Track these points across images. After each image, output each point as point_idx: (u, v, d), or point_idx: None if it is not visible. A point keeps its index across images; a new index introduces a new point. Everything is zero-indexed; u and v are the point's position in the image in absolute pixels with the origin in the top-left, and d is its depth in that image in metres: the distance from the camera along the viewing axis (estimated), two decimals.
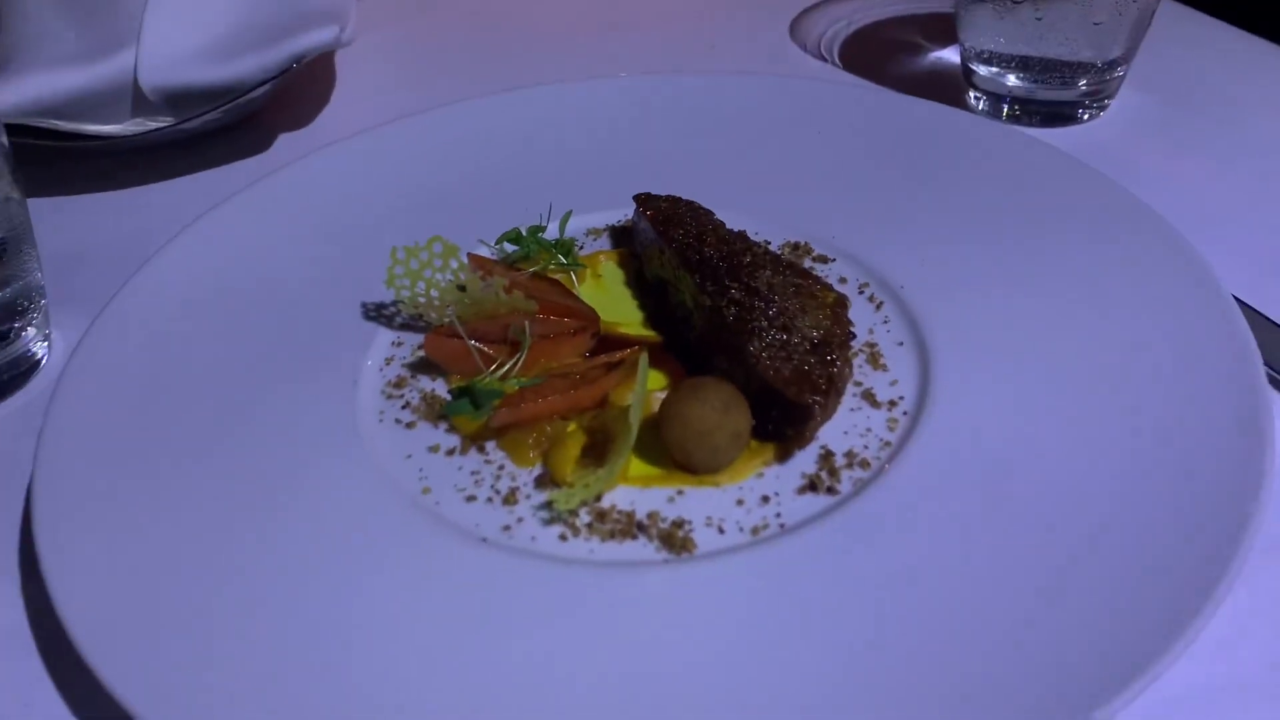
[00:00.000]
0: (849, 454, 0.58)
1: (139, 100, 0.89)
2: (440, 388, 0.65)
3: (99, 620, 0.49)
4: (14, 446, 0.64)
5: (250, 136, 0.98)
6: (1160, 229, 0.69)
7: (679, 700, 0.46)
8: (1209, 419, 0.55)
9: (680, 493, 0.57)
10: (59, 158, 0.92)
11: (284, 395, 0.63)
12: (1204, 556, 0.48)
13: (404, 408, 0.64)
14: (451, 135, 0.88)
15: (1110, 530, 0.51)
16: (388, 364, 0.67)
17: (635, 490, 0.57)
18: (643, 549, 0.54)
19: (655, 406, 0.60)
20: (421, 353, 0.67)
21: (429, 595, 0.51)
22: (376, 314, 0.71)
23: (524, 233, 0.76)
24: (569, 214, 0.78)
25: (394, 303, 0.70)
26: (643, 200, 0.75)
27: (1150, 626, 0.45)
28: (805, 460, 0.58)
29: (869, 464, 0.58)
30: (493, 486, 0.58)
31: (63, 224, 0.86)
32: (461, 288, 0.65)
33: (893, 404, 0.61)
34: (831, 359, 0.60)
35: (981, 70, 0.93)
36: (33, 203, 0.71)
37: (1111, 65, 0.89)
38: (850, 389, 0.63)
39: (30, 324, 0.71)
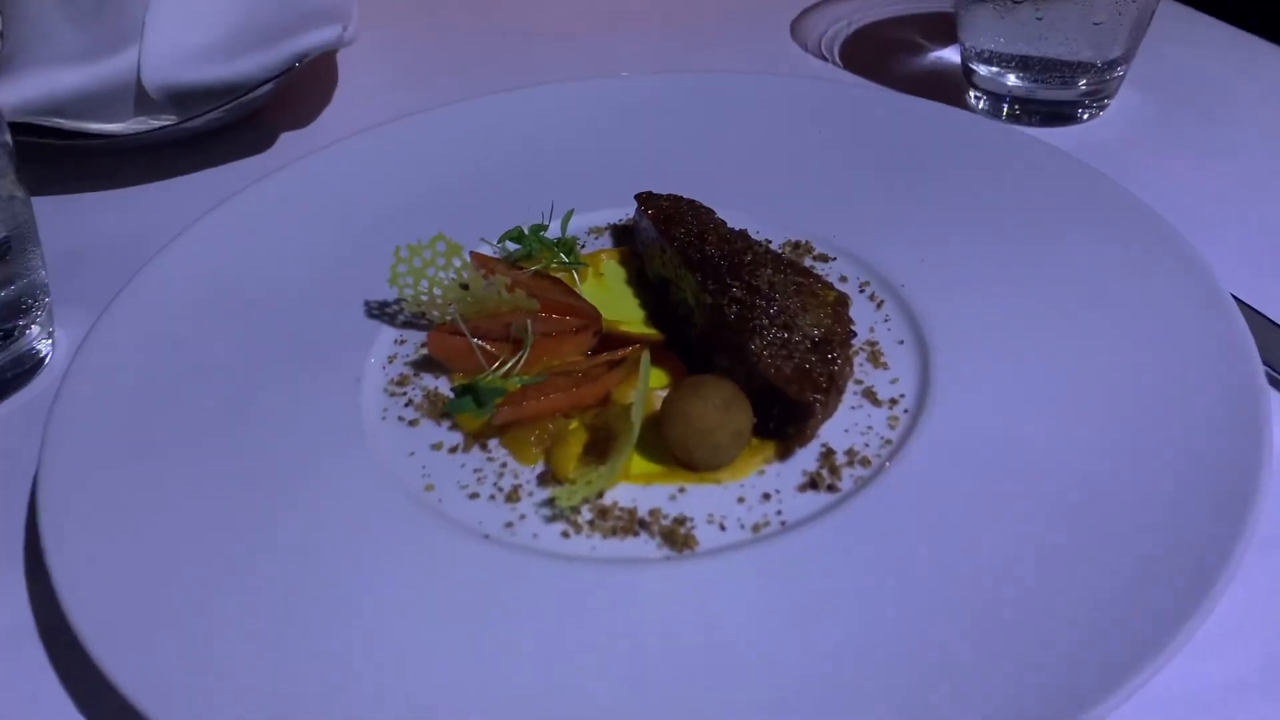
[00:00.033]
0: (850, 452, 0.59)
1: (142, 99, 0.89)
2: (443, 385, 0.66)
3: (104, 615, 0.49)
4: (18, 444, 0.64)
5: (253, 135, 0.98)
6: (1159, 228, 0.69)
7: (680, 696, 0.46)
8: (1207, 417, 0.55)
9: (682, 490, 0.57)
10: (62, 156, 0.92)
11: (287, 393, 0.64)
12: (1201, 554, 0.48)
13: (407, 405, 0.64)
14: (454, 134, 0.88)
15: (1108, 527, 0.51)
16: (391, 362, 0.68)
17: (637, 487, 0.58)
18: (644, 546, 0.54)
19: (657, 404, 0.60)
20: (424, 351, 0.68)
21: (432, 591, 0.51)
22: (379, 312, 0.71)
23: (526, 231, 0.76)
24: (571, 213, 0.78)
25: (397, 301, 0.70)
26: (644, 199, 0.75)
27: (1147, 624, 0.45)
28: (806, 458, 0.59)
29: (869, 462, 0.58)
30: (495, 484, 0.58)
31: (66, 222, 0.86)
32: (464, 286, 0.65)
33: (893, 402, 0.62)
34: (832, 357, 0.61)
35: (981, 70, 0.94)
36: (36, 201, 0.72)
37: (1111, 65, 0.89)
38: (851, 387, 0.63)
39: (34, 322, 0.71)
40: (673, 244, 0.69)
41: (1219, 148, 0.89)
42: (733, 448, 0.57)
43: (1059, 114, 0.92)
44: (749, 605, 0.50)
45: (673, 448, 0.58)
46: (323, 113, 1.03)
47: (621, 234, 0.80)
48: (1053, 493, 0.54)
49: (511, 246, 0.76)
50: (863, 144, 0.85)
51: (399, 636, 0.49)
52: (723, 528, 0.55)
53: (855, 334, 0.66)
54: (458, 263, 0.66)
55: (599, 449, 0.59)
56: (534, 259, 0.75)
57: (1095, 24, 0.85)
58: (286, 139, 0.98)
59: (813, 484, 0.57)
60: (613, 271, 0.76)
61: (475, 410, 0.61)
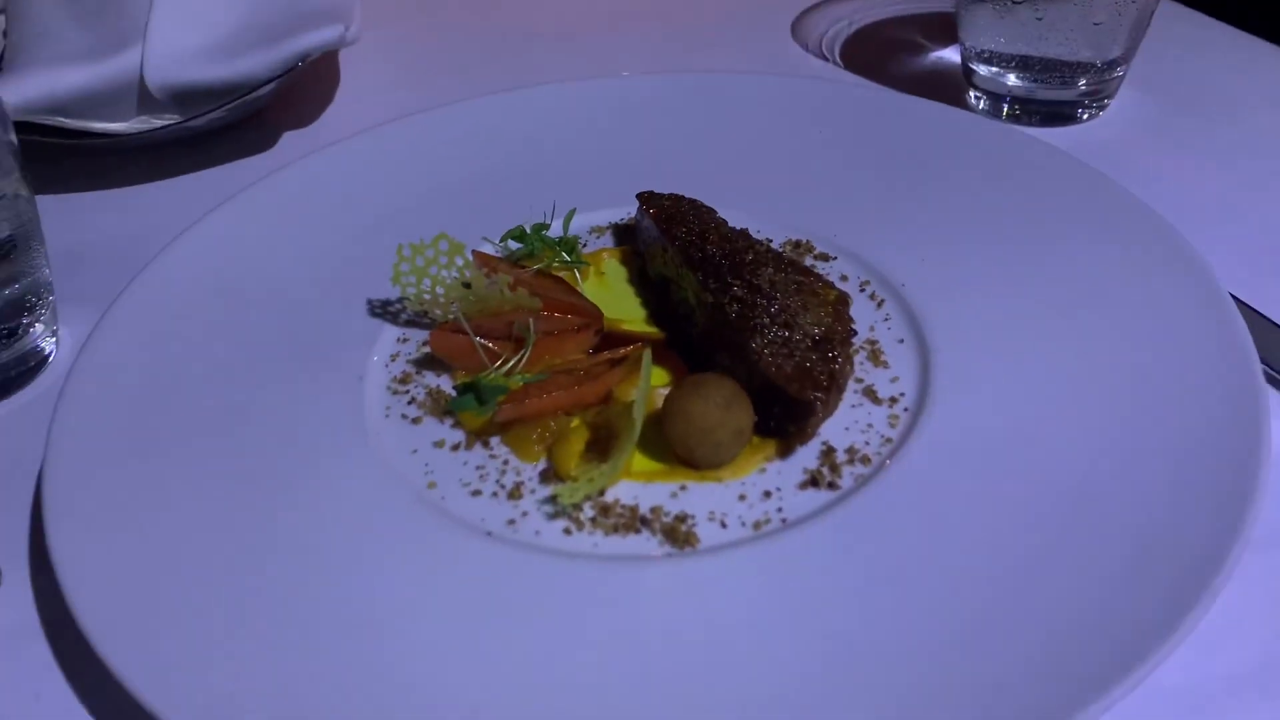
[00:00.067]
0: (850, 450, 0.59)
1: (145, 98, 0.89)
2: (445, 384, 0.66)
3: (109, 611, 0.49)
4: (23, 442, 0.64)
5: (255, 135, 0.98)
6: (1159, 228, 0.69)
7: (681, 693, 0.46)
8: (1206, 416, 0.56)
9: (683, 488, 0.58)
10: (66, 155, 0.92)
11: (291, 391, 0.64)
12: (1200, 552, 0.48)
13: (410, 403, 0.64)
14: (456, 134, 0.89)
15: (1107, 525, 0.51)
16: (393, 360, 0.68)
17: (639, 485, 0.58)
18: (646, 543, 0.54)
19: (658, 403, 0.60)
20: (427, 349, 0.68)
21: (435, 588, 0.52)
22: (382, 311, 0.71)
23: (528, 230, 0.76)
24: (573, 212, 0.78)
25: (399, 299, 0.70)
26: (646, 198, 0.76)
27: (1146, 621, 0.45)
28: (807, 456, 0.59)
29: (870, 460, 0.58)
30: (498, 481, 0.59)
31: (70, 221, 0.87)
32: (467, 285, 0.65)
33: (893, 400, 0.62)
34: (833, 356, 0.61)
35: (981, 70, 0.94)
36: (40, 200, 0.72)
37: (1111, 65, 0.90)
38: (851, 386, 0.63)
39: (38, 320, 0.71)
40: (674, 243, 0.70)
41: (1219, 148, 0.89)
42: (734, 446, 0.58)
43: (1059, 114, 0.92)
44: (750, 602, 0.50)
45: (674, 446, 0.58)
46: (325, 112, 1.03)
47: (623, 233, 0.80)
48: (1052, 490, 0.54)
49: (514, 245, 0.76)
50: (863, 144, 0.85)
51: (402, 633, 0.49)
52: (724, 525, 0.55)
53: (856, 333, 0.66)
54: (460, 261, 0.66)
55: (600, 447, 0.59)
56: (536, 258, 0.75)
57: (1095, 24, 0.85)
58: (289, 138, 0.99)
59: (813, 482, 0.57)
60: (614, 270, 0.76)
61: (477, 408, 0.61)
